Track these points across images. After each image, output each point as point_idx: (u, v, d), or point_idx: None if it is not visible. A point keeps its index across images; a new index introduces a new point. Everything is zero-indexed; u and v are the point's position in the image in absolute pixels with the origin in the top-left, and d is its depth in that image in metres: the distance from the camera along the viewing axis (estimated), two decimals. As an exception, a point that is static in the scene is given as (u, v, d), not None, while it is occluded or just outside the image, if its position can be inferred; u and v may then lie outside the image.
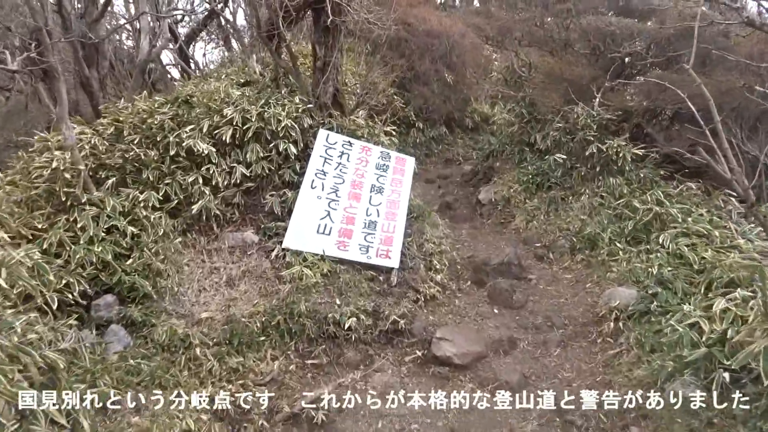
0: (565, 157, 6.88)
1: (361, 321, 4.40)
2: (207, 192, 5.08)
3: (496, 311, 4.99)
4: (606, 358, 4.07)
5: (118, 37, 12.50)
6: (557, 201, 6.80)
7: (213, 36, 16.17)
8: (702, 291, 4.06)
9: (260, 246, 5.17)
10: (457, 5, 18.27)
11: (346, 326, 4.32)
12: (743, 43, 7.08)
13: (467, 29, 10.59)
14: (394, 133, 6.88)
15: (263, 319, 4.22)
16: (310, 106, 5.94)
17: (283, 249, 5.02)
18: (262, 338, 4.16)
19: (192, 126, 5.31)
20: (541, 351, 4.37)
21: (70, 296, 3.63)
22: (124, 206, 4.55)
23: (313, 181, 5.48)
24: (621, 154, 6.36)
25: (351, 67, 9.21)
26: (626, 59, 7.36)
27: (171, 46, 10.13)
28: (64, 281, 3.72)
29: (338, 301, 4.57)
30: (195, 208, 4.98)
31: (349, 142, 5.94)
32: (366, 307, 4.55)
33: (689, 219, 5.21)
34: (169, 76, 12.67)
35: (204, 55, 17.25)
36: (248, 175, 5.36)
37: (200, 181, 5.07)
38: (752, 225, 5.07)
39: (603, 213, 6.05)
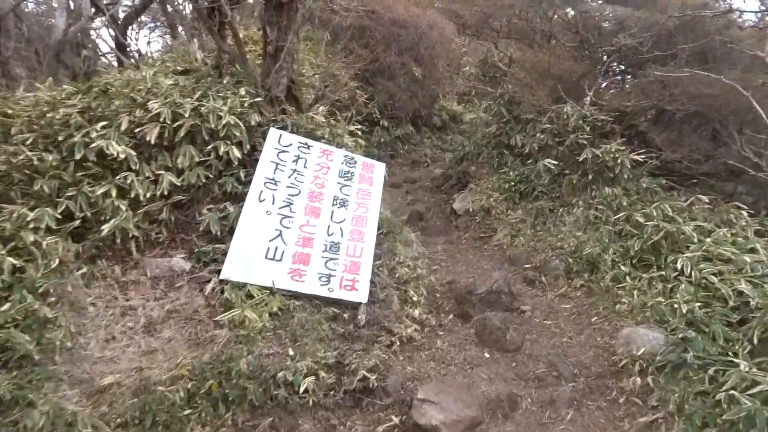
0: (555, 162, 6.03)
1: (321, 380, 3.39)
2: (123, 207, 3.94)
3: (487, 355, 4.06)
4: (638, 429, 3.19)
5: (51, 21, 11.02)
6: (545, 213, 5.96)
7: (159, 23, 14.74)
8: (754, 340, 3.24)
9: (192, 276, 4.08)
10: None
11: (302, 389, 3.30)
12: (743, 38, 6.41)
13: (437, 19, 9.66)
14: (360, 133, 5.87)
15: (189, 385, 3.14)
16: (259, 99, 4.88)
17: (221, 280, 3.96)
18: (188, 411, 3.07)
19: (106, 122, 4.17)
20: (549, 413, 3.45)
21: None
22: (4, 229, 3.40)
23: (261, 192, 4.42)
24: (619, 161, 5.55)
25: (309, 58, 8.14)
26: (618, 54, 6.59)
27: (98, 25, 8.78)
28: None
29: (291, 352, 3.55)
30: (105, 228, 3.84)
31: (306, 144, 4.90)
32: (327, 360, 3.54)
33: (708, 240, 4.43)
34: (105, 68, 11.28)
35: (149, 43, 15.69)
36: (179, 184, 4.25)
37: (113, 193, 3.93)
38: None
39: (602, 229, 5.22)
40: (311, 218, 4.51)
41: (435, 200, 7.55)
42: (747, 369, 2.95)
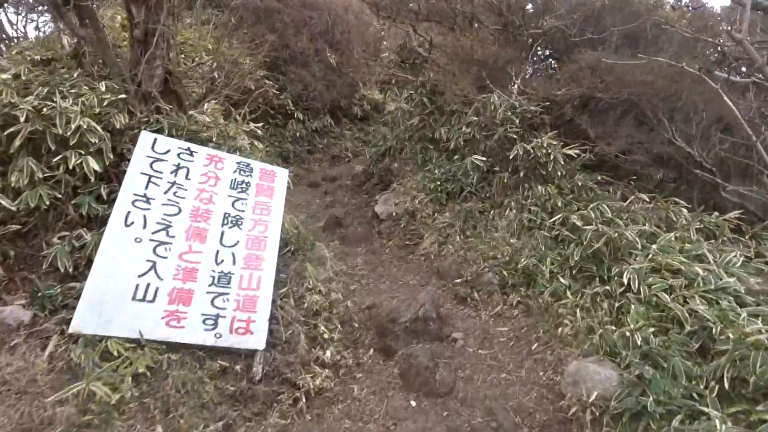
0: (484, 159, 5.43)
1: (198, 469, 2.59)
2: (-72, 245, 2.95)
3: (413, 403, 3.37)
4: (596, 503, 2.63)
5: None
6: (475, 216, 5.36)
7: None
8: (724, 381, 2.72)
9: (33, 329, 3.11)
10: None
11: (169, 488, 2.49)
12: (674, 18, 6.04)
13: (352, 0, 8.84)
14: (259, 131, 5.00)
15: None
16: (124, 96, 3.93)
17: (70, 334, 3.04)
18: None
19: None
20: (489, 482, 2.84)
21: None
22: None
23: (128, 213, 3.50)
24: (552, 156, 5.03)
25: (206, 44, 7.10)
26: (545, 37, 6.06)
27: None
28: None
29: (160, 429, 2.72)
30: None
31: (188, 149, 4.00)
32: (208, 437, 2.74)
33: (653, 247, 3.95)
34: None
35: (37, 28, 13.77)
36: (15, 209, 3.28)
37: None
38: (734, 252, 3.88)
39: (537, 235, 4.68)
40: (195, 243, 3.64)
41: (356, 202, 6.81)
42: (722, 426, 2.41)
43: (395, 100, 10.06)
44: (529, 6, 6.76)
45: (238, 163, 4.20)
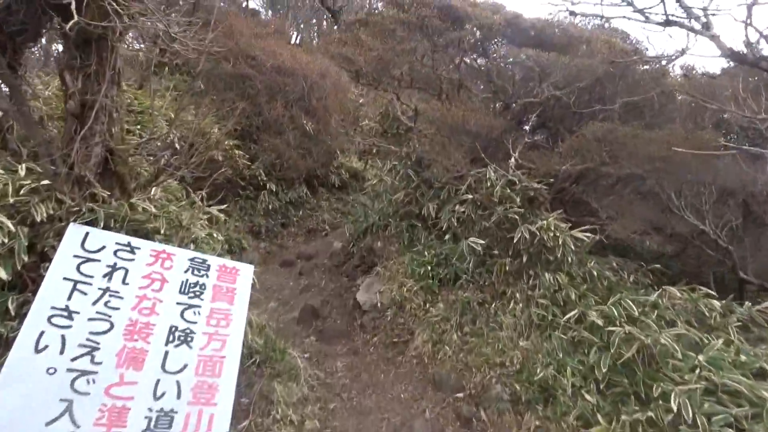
0: (483, 242, 4.75)
1: None
2: None
3: None
4: None
5: None
6: (474, 308, 4.62)
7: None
8: None
9: None
10: (314, 45, 16.20)
11: None
12: (680, 86, 5.61)
13: (330, 66, 8.37)
14: (222, 216, 4.26)
15: None
16: (46, 183, 3.18)
17: None
18: None
19: None
20: None
21: None
22: None
23: (41, 334, 2.64)
24: (560, 240, 4.38)
25: (168, 112, 6.44)
26: (542, 106, 5.56)
27: None
28: None
29: None
30: None
31: (129, 244, 3.20)
32: None
33: (700, 358, 3.24)
34: None
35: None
36: None
37: None
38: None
39: (553, 336, 3.94)
40: (128, 371, 2.78)
41: (334, 287, 6.01)
42: None
43: (375, 167, 9.52)
44: (524, 71, 6.30)
45: (191, 259, 3.40)
